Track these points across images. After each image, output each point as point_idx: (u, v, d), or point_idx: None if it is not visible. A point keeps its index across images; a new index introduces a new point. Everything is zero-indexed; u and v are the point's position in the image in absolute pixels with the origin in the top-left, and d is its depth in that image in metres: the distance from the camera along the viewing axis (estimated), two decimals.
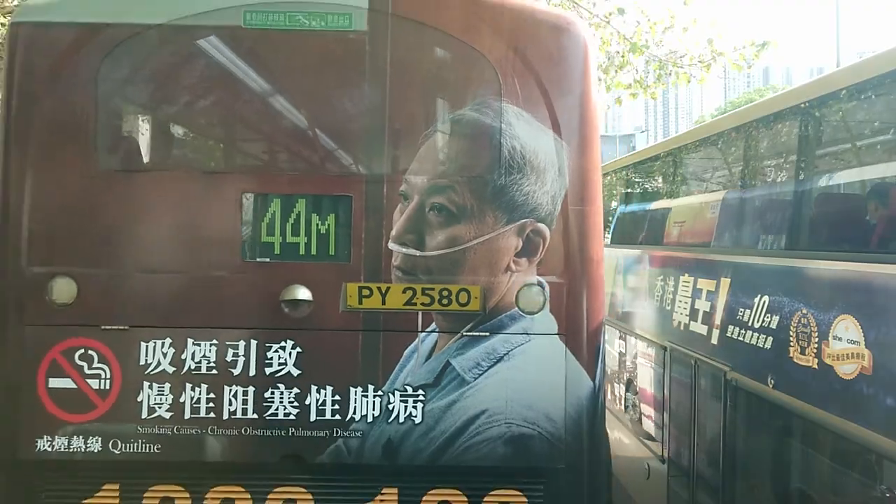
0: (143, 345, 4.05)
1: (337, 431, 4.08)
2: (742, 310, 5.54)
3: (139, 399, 4.04)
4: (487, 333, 4.09)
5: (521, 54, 4.09)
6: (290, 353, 4.07)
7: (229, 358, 4.06)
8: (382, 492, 4.08)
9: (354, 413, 4.08)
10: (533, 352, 4.11)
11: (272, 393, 4.07)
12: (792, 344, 4.78)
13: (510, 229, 4.09)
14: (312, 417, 4.06)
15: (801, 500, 5.09)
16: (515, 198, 4.08)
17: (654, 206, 8.61)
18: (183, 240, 4.18)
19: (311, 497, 4.07)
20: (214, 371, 4.06)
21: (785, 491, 5.22)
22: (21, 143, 4.07)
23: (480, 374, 4.07)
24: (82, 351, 4.05)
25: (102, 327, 4.07)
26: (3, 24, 11.64)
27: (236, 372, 4.07)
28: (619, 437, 9.13)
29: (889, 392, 3.91)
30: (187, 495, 4.05)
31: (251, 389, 4.06)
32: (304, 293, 4.07)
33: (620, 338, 9.03)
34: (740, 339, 5.53)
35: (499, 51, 4.10)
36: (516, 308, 4.10)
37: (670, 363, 7.08)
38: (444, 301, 4.07)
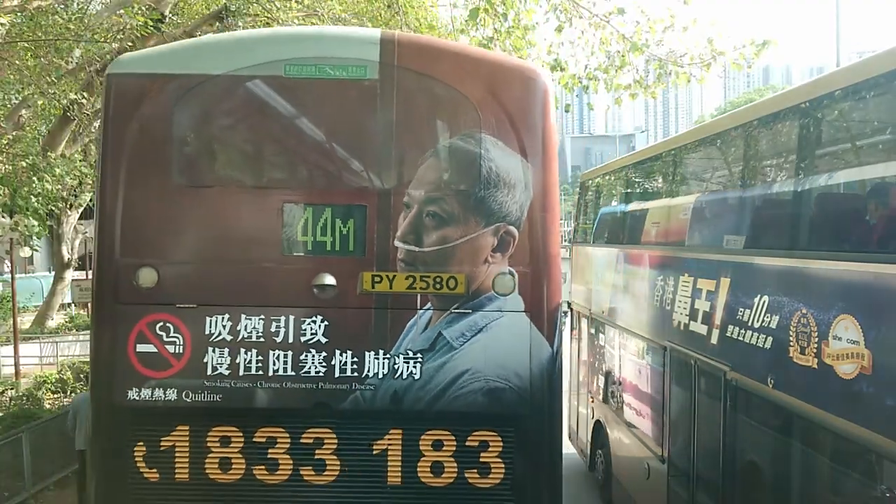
0: (208, 319, 5.19)
1: (355, 385, 5.21)
2: (742, 309, 5.53)
3: (204, 360, 5.18)
4: (470, 310, 5.23)
5: (496, 97, 5.25)
6: (319, 326, 5.21)
7: (273, 329, 5.20)
8: (390, 432, 5.20)
9: (368, 371, 5.20)
10: (505, 324, 5.22)
11: (305, 356, 5.21)
12: (792, 344, 4.78)
13: (488, 231, 5.23)
14: (336, 374, 5.20)
15: (800, 499, 5.08)
16: (492, 207, 5.21)
17: (653, 206, 8.60)
18: (237, 239, 5.32)
19: (335, 436, 5.19)
20: (262, 339, 5.19)
21: (785, 491, 5.22)
22: (114, 166, 5.24)
23: (465, 342, 5.20)
24: (162, 323, 5.18)
25: (177, 306, 5.23)
26: (2, 24, 11.73)
27: (278, 340, 5.20)
28: (619, 437, 9.14)
29: (889, 392, 3.91)
30: (241, 435, 5.18)
31: (290, 353, 5.19)
32: (330, 280, 5.22)
33: (621, 337, 9.03)
34: (740, 338, 5.53)
35: (479, 94, 5.24)
36: (492, 291, 5.24)
37: (670, 363, 7.08)
38: (437, 286, 5.21)
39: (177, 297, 5.21)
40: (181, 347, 5.16)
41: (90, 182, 19.44)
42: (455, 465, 5.19)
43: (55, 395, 15.58)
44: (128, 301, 5.19)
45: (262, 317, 5.18)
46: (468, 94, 5.23)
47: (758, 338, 5.26)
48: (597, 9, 11.66)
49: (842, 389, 4.25)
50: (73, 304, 26.76)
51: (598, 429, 10.15)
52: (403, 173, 5.30)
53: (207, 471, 5.17)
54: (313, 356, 5.19)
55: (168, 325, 5.17)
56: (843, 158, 4.90)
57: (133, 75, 5.29)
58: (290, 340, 5.18)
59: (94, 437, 5.43)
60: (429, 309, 5.22)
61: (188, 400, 5.15)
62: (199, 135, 5.42)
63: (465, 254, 5.21)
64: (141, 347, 5.15)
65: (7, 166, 12.80)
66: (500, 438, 5.18)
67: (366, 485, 5.20)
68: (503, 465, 5.19)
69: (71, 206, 22.44)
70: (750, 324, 5.37)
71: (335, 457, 5.18)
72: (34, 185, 12.52)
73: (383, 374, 5.18)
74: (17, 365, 16.97)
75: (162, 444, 5.18)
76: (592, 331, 10.42)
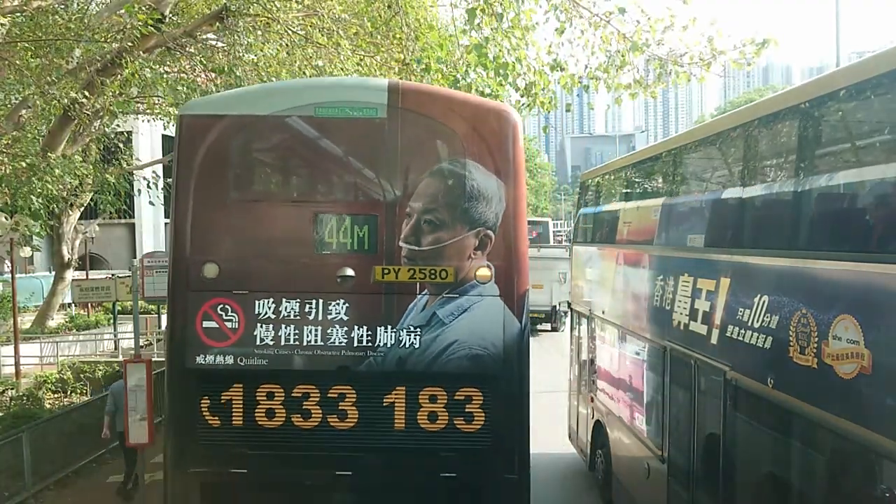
0: (257, 302, 6.57)
1: (369, 353, 6.57)
2: (742, 309, 5.53)
3: (254, 334, 6.56)
4: (457, 295, 6.56)
5: (477, 130, 6.63)
6: (342, 307, 6.57)
7: (306, 310, 6.58)
8: (396, 389, 6.53)
9: (379, 342, 6.56)
10: (484, 306, 6.57)
11: (331, 330, 6.57)
12: (791, 344, 4.78)
13: (471, 234, 6.58)
14: (355, 344, 6.57)
15: (800, 499, 5.08)
16: (474, 215, 6.57)
17: (653, 205, 8.60)
18: (279, 240, 6.72)
19: (354, 392, 6.55)
20: (298, 317, 6.57)
21: (785, 491, 5.22)
22: (185, 185, 6.65)
23: (453, 319, 6.54)
24: (221, 305, 6.57)
25: (233, 292, 6.59)
26: (2, 24, 11.73)
27: (311, 318, 6.58)
28: (619, 437, 9.14)
29: (889, 392, 3.91)
30: (282, 390, 6.56)
31: (319, 328, 6.57)
32: (350, 272, 6.56)
33: (621, 337, 9.03)
34: (740, 338, 5.53)
35: (464, 129, 6.63)
36: (475, 280, 6.57)
37: (670, 363, 7.09)
38: (432, 276, 6.56)
39: (233, 285, 6.58)
40: (236, 324, 6.56)
41: (90, 182, 19.46)
42: (446, 414, 6.54)
43: (55, 395, 15.60)
44: (196, 288, 6.59)
45: (298, 300, 6.56)
46: (455, 129, 6.63)
47: (758, 338, 5.26)
48: (597, 8, 11.64)
49: (842, 389, 4.25)
50: (73, 304, 26.78)
51: (598, 429, 10.16)
52: (406, 190, 6.62)
53: (256, 418, 6.56)
54: (337, 330, 6.55)
55: (227, 306, 6.56)
56: (843, 158, 4.88)
57: (199, 115, 6.82)
58: (320, 318, 6.56)
59: (169, 393, 6.74)
60: (426, 294, 6.55)
61: (241, 364, 6.55)
62: (250, 160, 6.98)
63: (453, 252, 6.55)
64: (206, 324, 6.56)
65: (7, 167, 12.80)
66: (480, 393, 6.52)
67: (378, 429, 6.55)
68: (483, 414, 6.53)
69: (71, 205, 22.46)
70: (750, 324, 5.37)
71: (354, 408, 6.55)
72: (34, 185, 12.52)
73: (391, 344, 6.53)
74: (17, 365, 16.99)
75: (222, 397, 6.58)
76: (592, 331, 10.42)
